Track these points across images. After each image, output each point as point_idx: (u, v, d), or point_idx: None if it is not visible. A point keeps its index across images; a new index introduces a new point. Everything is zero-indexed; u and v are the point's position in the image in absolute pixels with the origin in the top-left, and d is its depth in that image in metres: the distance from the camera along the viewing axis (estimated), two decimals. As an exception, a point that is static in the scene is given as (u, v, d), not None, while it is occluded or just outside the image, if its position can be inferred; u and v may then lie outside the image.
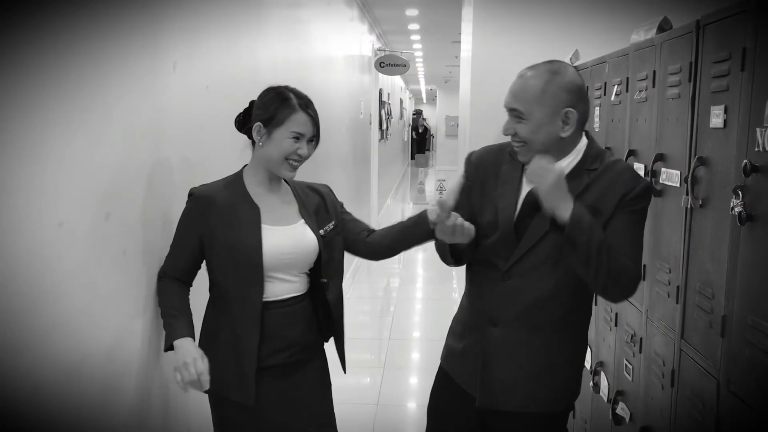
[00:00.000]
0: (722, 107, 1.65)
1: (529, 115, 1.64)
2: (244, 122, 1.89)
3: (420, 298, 6.29)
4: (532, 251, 1.71)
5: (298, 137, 1.80)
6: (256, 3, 2.91)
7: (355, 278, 6.50)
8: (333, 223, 1.93)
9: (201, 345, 1.82)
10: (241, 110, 1.90)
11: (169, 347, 1.74)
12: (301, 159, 1.84)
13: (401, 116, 17.38)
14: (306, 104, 1.83)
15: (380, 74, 8.90)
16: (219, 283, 1.85)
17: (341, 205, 2.02)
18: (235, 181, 1.87)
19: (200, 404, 1.99)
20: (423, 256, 8.35)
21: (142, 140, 1.78)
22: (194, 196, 1.82)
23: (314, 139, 1.85)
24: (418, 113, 24.42)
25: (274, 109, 1.80)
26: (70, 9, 1.40)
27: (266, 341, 1.81)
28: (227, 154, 2.44)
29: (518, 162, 1.75)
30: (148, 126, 1.81)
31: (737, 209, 1.52)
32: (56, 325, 1.40)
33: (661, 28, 2.36)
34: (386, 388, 3.92)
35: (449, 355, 1.93)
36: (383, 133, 10.76)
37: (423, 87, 22.51)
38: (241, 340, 1.80)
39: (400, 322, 5.34)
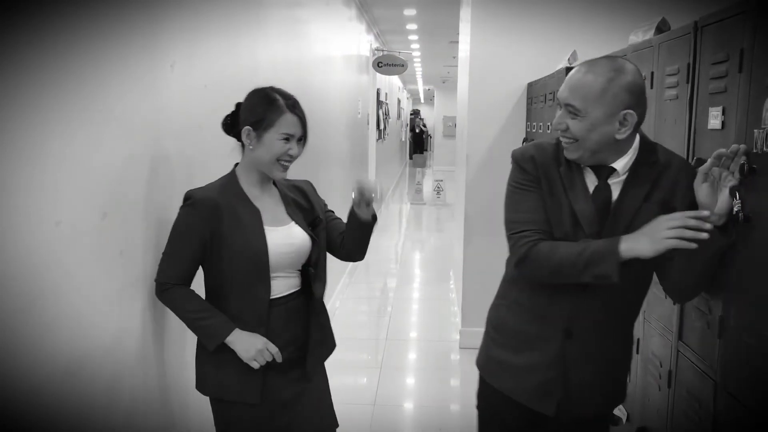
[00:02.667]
0: (720, 108, 1.66)
1: (586, 113, 1.58)
2: (232, 125, 1.88)
3: (417, 299, 6.29)
4: None
5: (287, 138, 1.82)
6: (255, 3, 2.91)
7: (352, 278, 6.50)
8: (317, 217, 1.97)
9: (200, 348, 1.84)
10: (228, 113, 1.90)
11: (216, 344, 1.77)
12: (292, 159, 1.85)
13: (399, 116, 17.38)
14: (293, 105, 1.84)
15: (378, 74, 8.90)
16: (221, 285, 1.84)
17: (325, 204, 2.06)
18: (231, 183, 1.87)
19: (200, 403, 1.99)
20: (420, 256, 8.36)
21: (140, 139, 1.77)
22: (195, 199, 1.79)
23: (303, 138, 1.87)
24: (415, 113, 24.42)
25: (263, 112, 1.81)
26: (69, 9, 1.40)
27: (271, 339, 1.82)
28: (226, 153, 2.43)
29: (574, 163, 1.67)
30: (147, 125, 1.81)
31: (736, 210, 1.52)
32: (54, 324, 1.40)
33: (659, 29, 2.36)
34: (383, 389, 3.91)
35: (503, 371, 1.79)
36: (381, 133, 10.76)
37: (421, 87, 22.52)
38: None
39: (397, 322, 5.34)
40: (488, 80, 4.53)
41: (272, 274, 1.84)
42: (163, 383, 1.95)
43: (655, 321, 2.10)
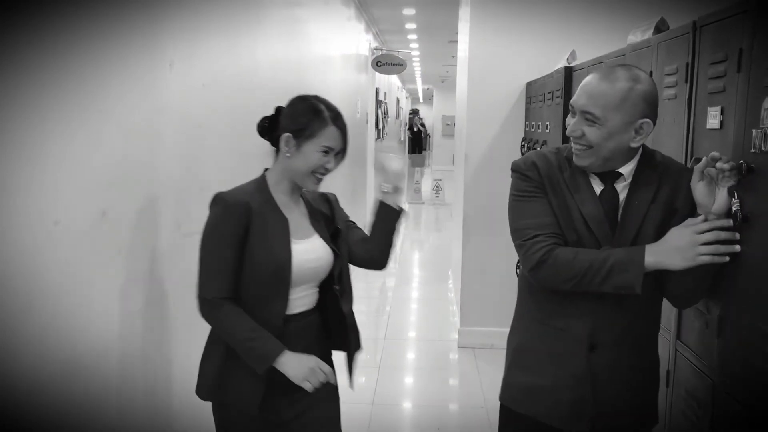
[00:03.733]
0: (719, 108, 1.66)
1: (605, 121, 1.56)
2: (269, 129, 1.81)
3: (416, 298, 6.29)
4: None
5: (327, 151, 1.76)
6: (255, 2, 2.90)
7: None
8: (337, 228, 1.89)
9: (206, 352, 1.79)
10: (265, 115, 1.83)
11: (266, 368, 1.68)
12: (327, 172, 1.80)
13: (398, 115, 17.37)
14: (336, 117, 1.79)
15: (377, 73, 8.90)
16: (247, 294, 1.74)
17: (346, 216, 1.99)
18: (261, 188, 1.79)
19: (202, 404, 1.99)
20: (419, 255, 8.36)
21: (138, 138, 1.77)
22: (228, 202, 1.71)
23: (341, 152, 1.81)
24: (414, 113, 24.41)
25: (306, 122, 1.75)
26: (68, 9, 1.40)
27: None
28: (224, 153, 2.43)
29: (577, 168, 1.66)
30: (145, 124, 1.81)
31: (734, 210, 1.52)
32: (53, 323, 1.40)
33: (658, 29, 2.36)
34: (382, 388, 3.91)
35: (530, 396, 1.72)
36: (380, 133, 10.76)
37: (420, 86, 22.53)
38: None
39: (396, 322, 5.34)
40: (487, 80, 4.52)
41: (291, 289, 1.76)
42: (164, 383, 1.95)
43: (654, 320, 2.10)
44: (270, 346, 1.69)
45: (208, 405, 1.88)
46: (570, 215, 1.64)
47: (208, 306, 1.70)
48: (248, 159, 2.68)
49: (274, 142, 1.80)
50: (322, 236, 1.84)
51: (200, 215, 1.72)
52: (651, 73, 2.17)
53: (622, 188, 1.65)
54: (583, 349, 1.64)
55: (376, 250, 1.92)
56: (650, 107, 1.59)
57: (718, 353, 1.64)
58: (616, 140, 1.58)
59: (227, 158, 2.19)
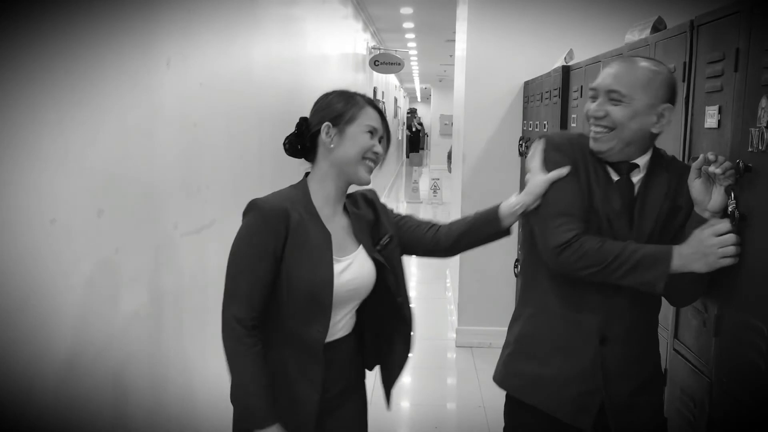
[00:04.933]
0: (716, 107, 1.66)
1: (631, 100, 1.57)
2: (298, 136, 1.65)
3: (414, 298, 6.26)
4: None
5: (372, 132, 1.63)
6: (251, 0, 2.90)
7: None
8: (389, 235, 1.70)
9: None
10: (290, 133, 1.67)
11: (244, 428, 1.52)
12: (377, 158, 1.64)
13: (396, 115, 17.38)
14: (370, 101, 1.67)
15: (375, 73, 8.89)
16: (268, 316, 1.57)
17: (391, 210, 1.78)
18: (303, 196, 1.62)
19: (201, 405, 1.98)
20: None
21: (135, 137, 1.77)
22: (264, 210, 1.53)
23: (384, 137, 1.68)
24: (412, 112, 24.42)
25: (342, 107, 1.63)
26: (64, 7, 1.39)
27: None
28: (221, 152, 2.43)
29: (596, 159, 1.64)
30: (142, 123, 1.80)
31: (731, 209, 1.52)
32: (48, 323, 1.39)
33: (656, 28, 2.36)
34: (379, 387, 3.91)
35: (532, 384, 1.69)
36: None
37: (417, 86, 22.52)
38: (295, 384, 1.56)
39: (394, 320, 5.34)
40: (484, 79, 4.53)
41: (333, 313, 1.58)
42: (161, 383, 1.94)
43: (651, 319, 2.10)
44: (263, 414, 1.49)
45: (206, 405, 1.88)
46: (592, 203, 1.63)
47: (229, 330, 1.51)
48: (245, 158, 2.67)
49: (310, 150, 1.65)
50: (366, 248, 1.66)
51: (198, 215, 1.72)
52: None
53: (636, 181, 1.64)
54: (593, 341, 1.62)
55: (452, 244, 1.74)
56: (672, 94, 1.61)
57: (716, 352, 1.64)
58: (639, 122, 1.58)
59: (224, 157, 2.18)
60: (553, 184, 1.64)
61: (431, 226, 1.76)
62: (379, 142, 1.65)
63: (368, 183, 1.65)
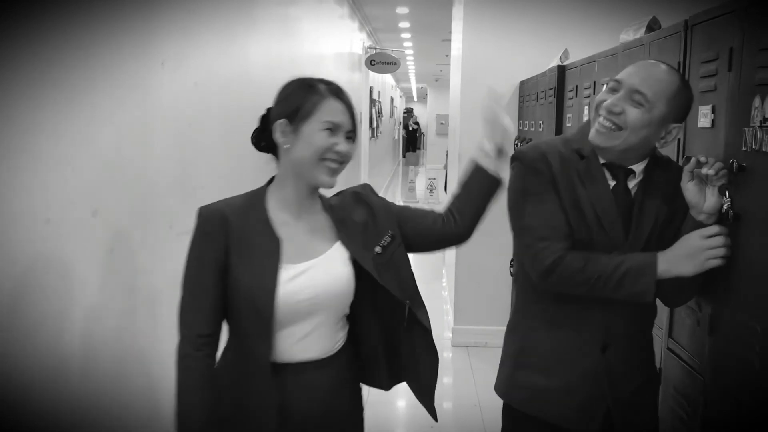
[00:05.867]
0: (710, 107, 1.66)
1: (652, 107, 1.52)
2: (262, 131, 1.50)
3: (410, 297, 6.28)
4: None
5: (332, 128, 1.43)
6: (247, 0, 2.90)
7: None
8: (390, 233, 1.54)
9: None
10: (257, 123, 1.52)
11: None
12: (341, 158, 1.45)
13: (392, 114, 17.38)
14: (336, 90, 1.47)
15: (371, 72, 8.89)
16: (232, 329, 1.47)
17: (391, 204, 1.62)
18: (254, 200, 1.47)
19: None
20: (412, 254, 8.35)
21: (130, 137, 1.76)
22: (202, 216, 1.43)
23: (352, 134, 1.48)
24: (408, 111, 24.43)
25: (299, 99, 1.43)
26: (58, 7, 1.39)
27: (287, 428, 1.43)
28: (216, 151, 2.43)
29: (594, 157, 1.61)
30: (137, 122, 1.80)
31: (725, 208, 1.52)
32: (43, 322, 1.39)
33: (650, 28, 2.37)
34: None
35: (537, 396, 1.66)
36: (374, 132, 10.76)
37: (414, 85, 22.52)
38: (251, 412, 1.42)
39: (390, 320, 5.34)
40: (480, 78, 4.52)
41: (283, 329, 1.42)
42: (157, 384, 1.94)
43: (646, 318, 2.11)
44: None
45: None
46: (582, 212, 1.59)
47: (182, 346, 1.42)
48: (240, 158, 2.67)
49: (271, 149, 1.50)
50: (354, 251, 1.49)
51: (193, 215, 1.71)
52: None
53: (632, 186, 1.63)
54: (596, 349, 1.62)
55: (458, 220, 1.59)
56: (685, 114, 1.59)
57: (709, 351, 1.64)
58: (649, 131, 1.55)
59: (219, 157, 2.18)
60: (530, 206, 1.60)
61: (433, 212, 1.63)
62: (348, 138, 1.47)
63: (331, 186, 1.47)
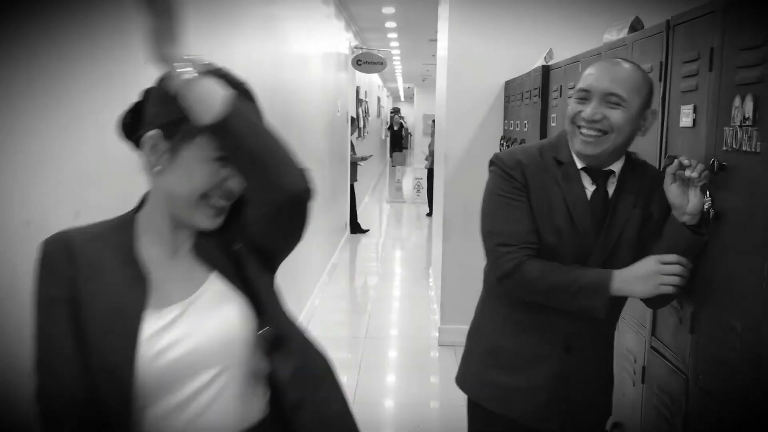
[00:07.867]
0: (691, 107, 1.68)
1: (629, 104, 1.56)
2: (133, 124, 1.13)
3: (397, 296, 6.29)
4: (610, 258, 1.61)
5: (224, 158, 1.04)
6: None
7: (332, 276, 6.49)
8: (238, 245, 1.12)
9: None
10: (130, 107, 1.17)
11: None
12: (230, 197, 1.08)
13: (379, 114, 17.37)
14: (243, 94, 1.11)
15: (357, 72, 8.89)
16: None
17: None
18: (119, 227, 1.11)
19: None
20: (400, 254, 8.36)
21: (112, 137, 1.75)
22: (45, 247, 1.07)
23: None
24: (395, 111, 24.43)
25: (183, 109, 1.02)
26: (42, 6, 1.38)
27: None
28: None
29: (571, 163, 1.63)
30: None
31: (706, 207, 1.54)
32: (22, 326, 1.37)
33: (633, 28, 2.38)
34: (363, 387, 3.91)
35: (503, 395, 1.71)
36: (360, 131, 10.75)
37: (401, 85, 22.53)
38: None
39: (377, 320, 5.34)
40: (466, 78, 4.54)
41: (165, 400, 1.04)
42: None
43: (629, 317, 2.12)
44: None
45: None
46: (552, 218, 1.61)
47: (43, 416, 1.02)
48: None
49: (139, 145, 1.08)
50: (250, 294, 1.10)
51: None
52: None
53: (610, 188, 1.65)
54: (558, 350, 1.67)
55: None
56: (653, 97, 1.63)
57: (692, 349, 1.65)
58: (633, 125, 1.59)
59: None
60: (498, 211, 1.64)
61: None
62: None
63: (213, 228, 1.09)
